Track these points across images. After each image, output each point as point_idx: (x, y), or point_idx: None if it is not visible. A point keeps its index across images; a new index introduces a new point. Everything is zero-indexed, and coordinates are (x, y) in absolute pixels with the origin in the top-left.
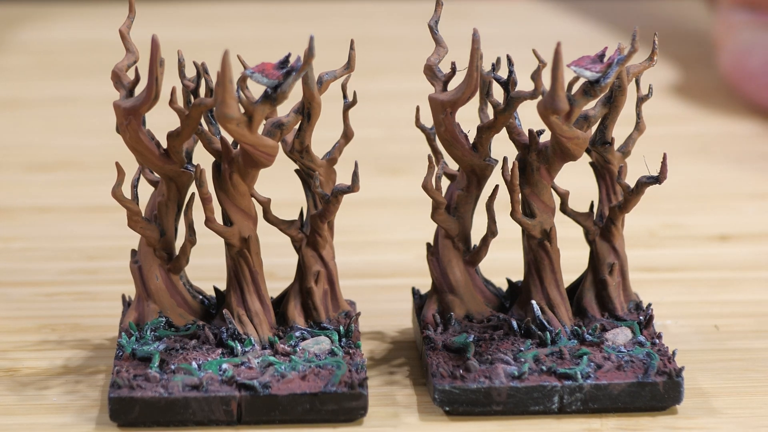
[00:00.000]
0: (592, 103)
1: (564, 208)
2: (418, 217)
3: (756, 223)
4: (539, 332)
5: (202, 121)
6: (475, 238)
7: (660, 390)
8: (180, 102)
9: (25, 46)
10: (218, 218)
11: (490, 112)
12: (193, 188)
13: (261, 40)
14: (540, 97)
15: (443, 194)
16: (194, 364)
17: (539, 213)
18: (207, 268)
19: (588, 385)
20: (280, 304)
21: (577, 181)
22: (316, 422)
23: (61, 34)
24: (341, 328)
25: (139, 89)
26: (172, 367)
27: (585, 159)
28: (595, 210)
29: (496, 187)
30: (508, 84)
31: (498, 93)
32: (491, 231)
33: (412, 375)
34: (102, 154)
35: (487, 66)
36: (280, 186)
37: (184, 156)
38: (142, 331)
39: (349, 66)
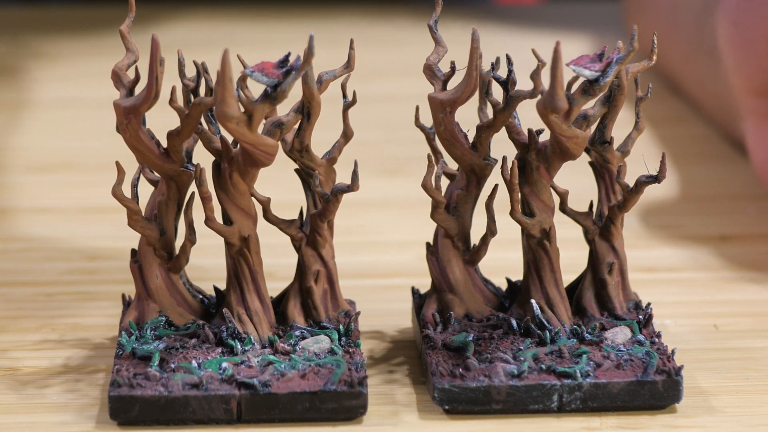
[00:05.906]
0: (591, 103)
1: (563, 208)
2: (418, 217)
3: (756, 223)
4: (539, 331)
5: (202, 120)
6: (475, 238)
7: (659, 389)
8: (180, 101)
9: (27, 49)
10: (218, 217)
11: (490, 111)
12: (193, 187)
13: (261, 40)
14: (539, 96)
15: (443, 193)
16: (194, 363)
17: (538, 212)
18: (207, 268)
19: (587, 384)
20: (279, 303)
21: (576, 180)
22: (315, 421)
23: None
24: (341, 327)
25: (139, 88)
26: (172, 365)
27: (584, 158)
28: (594, 209)
29: (496, 186)
30: (507, 83)
31: (497, 92)
32: (491, 230)
33: (412, 374)
34: (102, 155)
35: (486, 65)
36: (279, 185)
37: (184, 155)
38: (142, 330)
39: (348, 65)
